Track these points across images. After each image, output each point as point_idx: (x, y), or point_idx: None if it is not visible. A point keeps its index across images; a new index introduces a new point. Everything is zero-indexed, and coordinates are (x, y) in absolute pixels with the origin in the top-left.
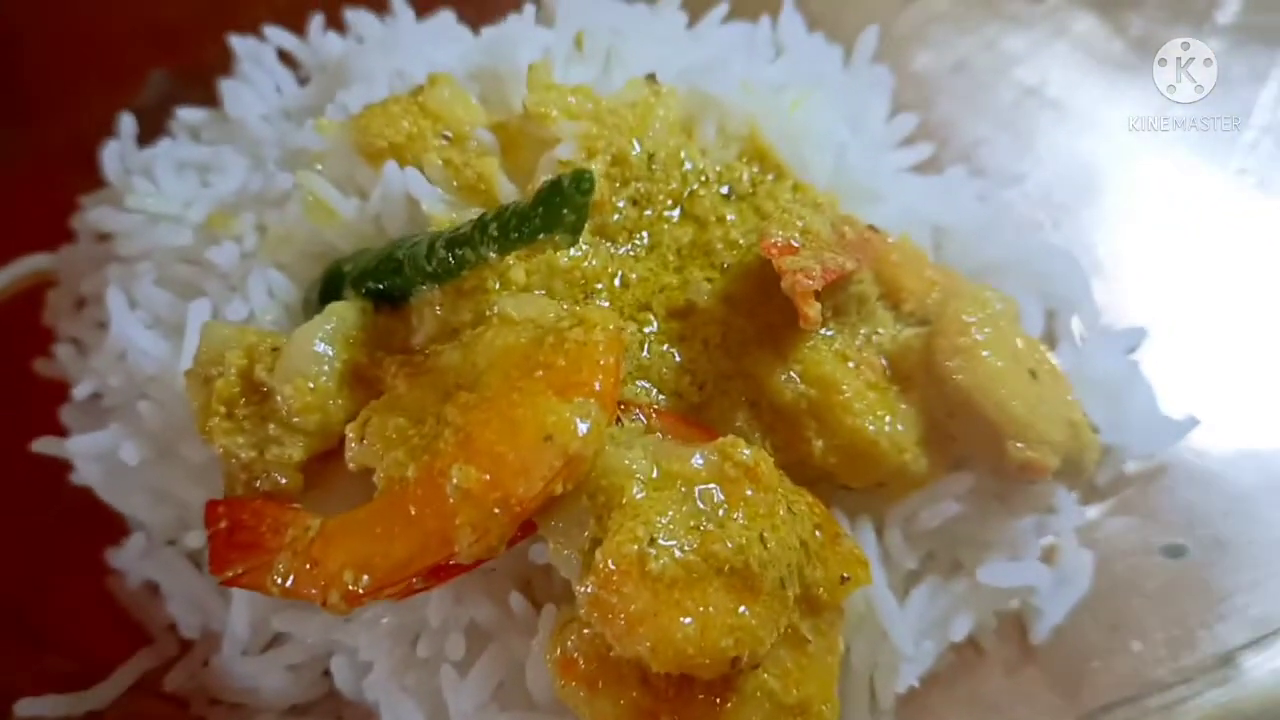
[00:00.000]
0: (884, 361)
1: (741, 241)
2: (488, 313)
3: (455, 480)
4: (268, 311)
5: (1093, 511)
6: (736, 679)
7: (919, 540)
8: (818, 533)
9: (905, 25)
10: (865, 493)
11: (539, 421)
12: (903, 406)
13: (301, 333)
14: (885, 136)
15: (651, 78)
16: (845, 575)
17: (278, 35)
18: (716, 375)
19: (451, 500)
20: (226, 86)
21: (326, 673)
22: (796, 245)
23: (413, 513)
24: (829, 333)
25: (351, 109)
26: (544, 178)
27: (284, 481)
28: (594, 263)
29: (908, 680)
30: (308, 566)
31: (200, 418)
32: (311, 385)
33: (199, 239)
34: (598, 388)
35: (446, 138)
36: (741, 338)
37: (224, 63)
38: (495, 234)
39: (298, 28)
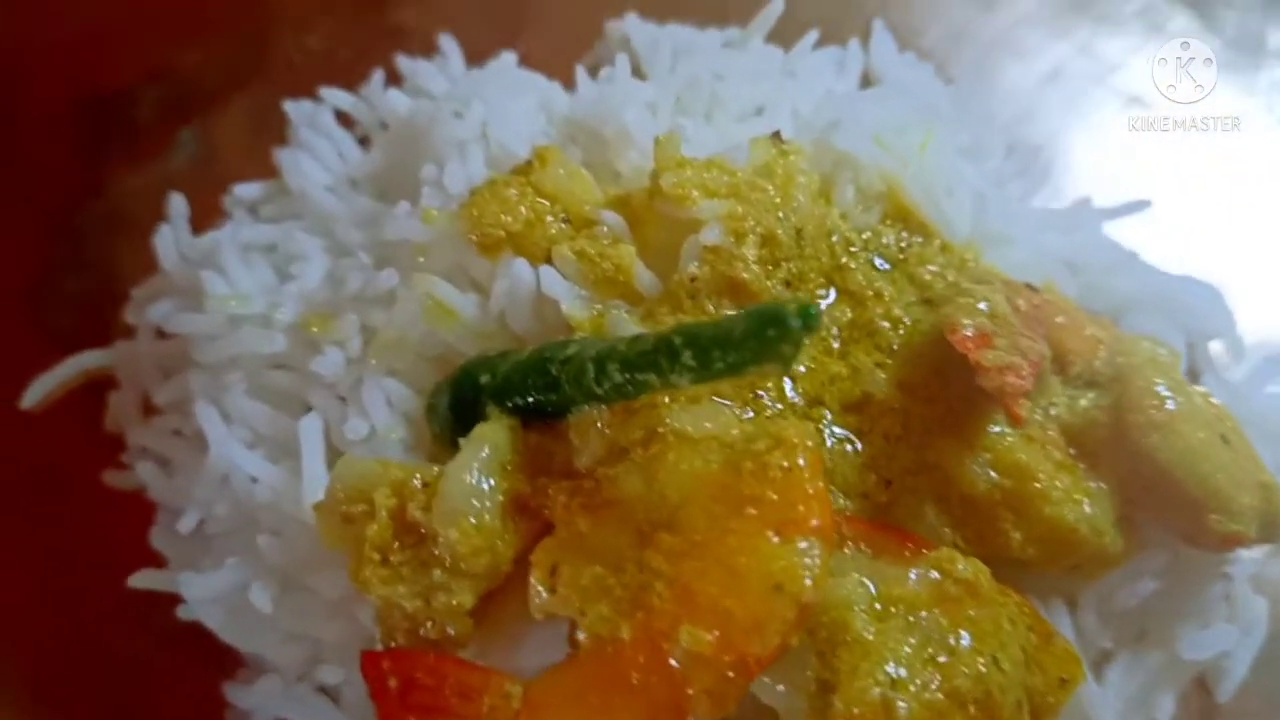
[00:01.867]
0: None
1: (905, 319)
2: (659, 429)
3: (684, 644)
4: (392, 429)
5: (1254, 552)
6: None
7: (1114, 619)
8: (1031, 635)
9: (990, 32)
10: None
11: (765, 570)
12: (1092, 485)
13: (456, 467)
14: (1005, 169)
15: (777, 136)
16: (1064, 678)
17: (334, 96)
18: (901, 471)
19: (679, 665)
20: (285, 156)
21: None
22: (989, 333)
23: (635, 680)
24: None
25: (451, 189)
26: (688, 268)
27: (453, 630)
28: None
29: None
30: None
31: (352, 566)
32: (474, 523)
33: (294, 344)
34: (815, 524)
35: (565, 221)
36: (923, 427)
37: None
38: (691, 362)
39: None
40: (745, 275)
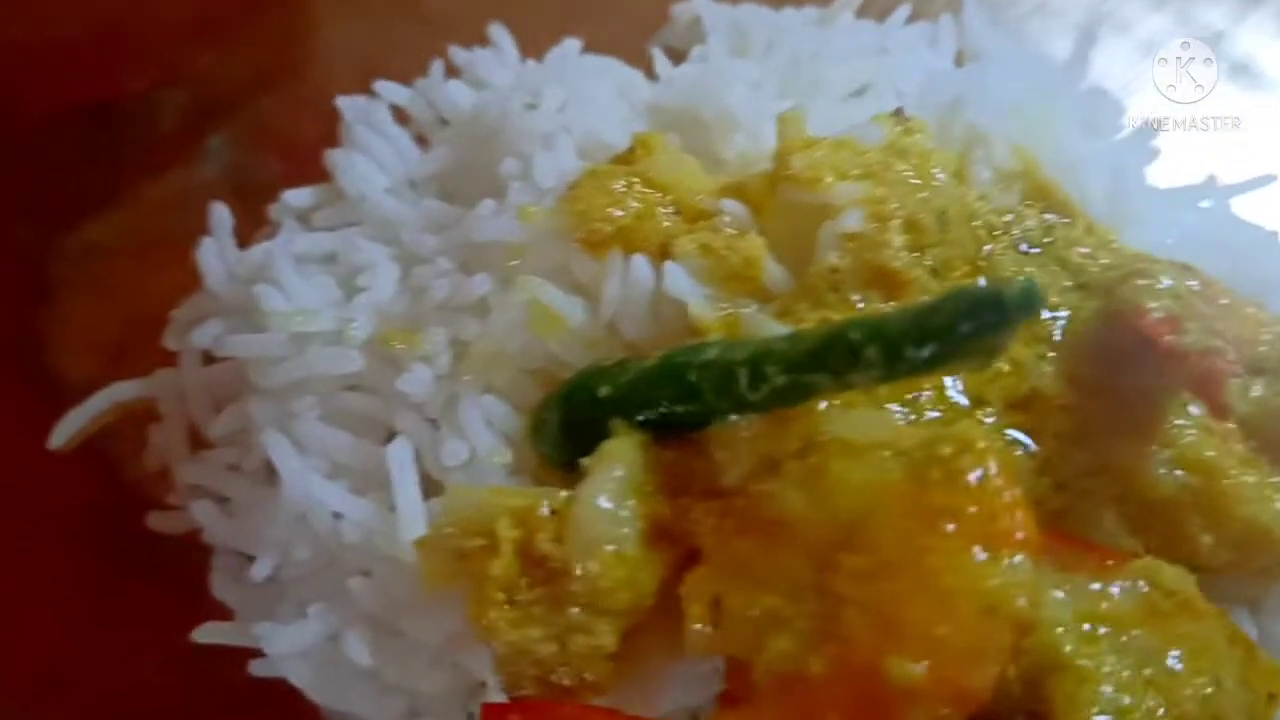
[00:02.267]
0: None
1: (1063, 307)
2: (818, 438)
3: (892, 677)
4: (495, 453)
5: None
6: None
7: None
8: (1236, 649)
9: (1083, 3)
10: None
11: (975, 590)
12: (1277, 479)
13: (589, 491)
14: (1125, 146)
15: (899, 112)
16: (1272, 693)
17: (390, 90)
18: (1075, 473)
19: (887, 702)
20: (338, 158)
21: None
22: (1178, 316)
23: (833, 718)
24: (1194, 409)
25: (541, 183)
26: (827, 257)
27: (590, 675)
28: None
29: None
30: None
31: (474, 609)
32: (615, 552)
33: (372, 363)
34: (1021, 536)
35: (676, 213)
36: (1096, 424)
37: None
38: (877, 359)
39: None
40: (895, 263)
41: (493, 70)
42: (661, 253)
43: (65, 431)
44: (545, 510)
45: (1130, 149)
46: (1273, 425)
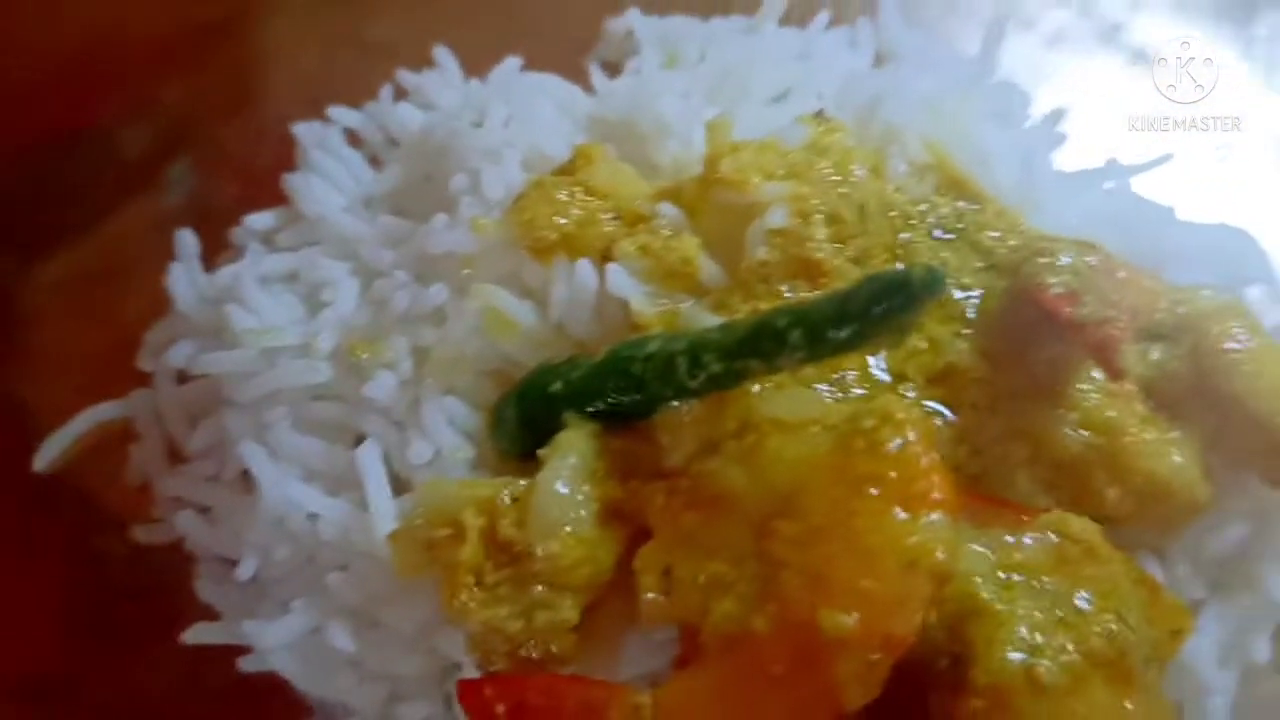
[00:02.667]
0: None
1: (975, 287)
2: (753, 419)
3: (825, 629)
4: (458, 449)
5: None
6: None
7: (1205, 567)
8: (1140, 590)
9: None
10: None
11: (898, 547)
12: (1174, 435)
13: (546, 478)
14: (1033, 135)
15: (820, 114)
16: (1174, 629)
17: (343, 115)
18: (991, 440)
19: (823, 654)
20: (296, 181)
21: None
22: (1077, 290)
23: (778, 673)
24: (1097, 374)
25: (490, 196)
26: (756, 252)
27: (556, 649)
28: None
29: (1220, 714)
30: None
31: (445, 594)
32: (573, 533)
33: (339, 372)
34: (938, 496)
35: (616, 219)
36: (1008, 393)
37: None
38: (801, 342)
39: None
40: (818, 255)
41: (439, 91)
42: (604, 256)
43: (48, 454)
44: (506, 499)
45: (1038, 136)
46: (1169, 386)
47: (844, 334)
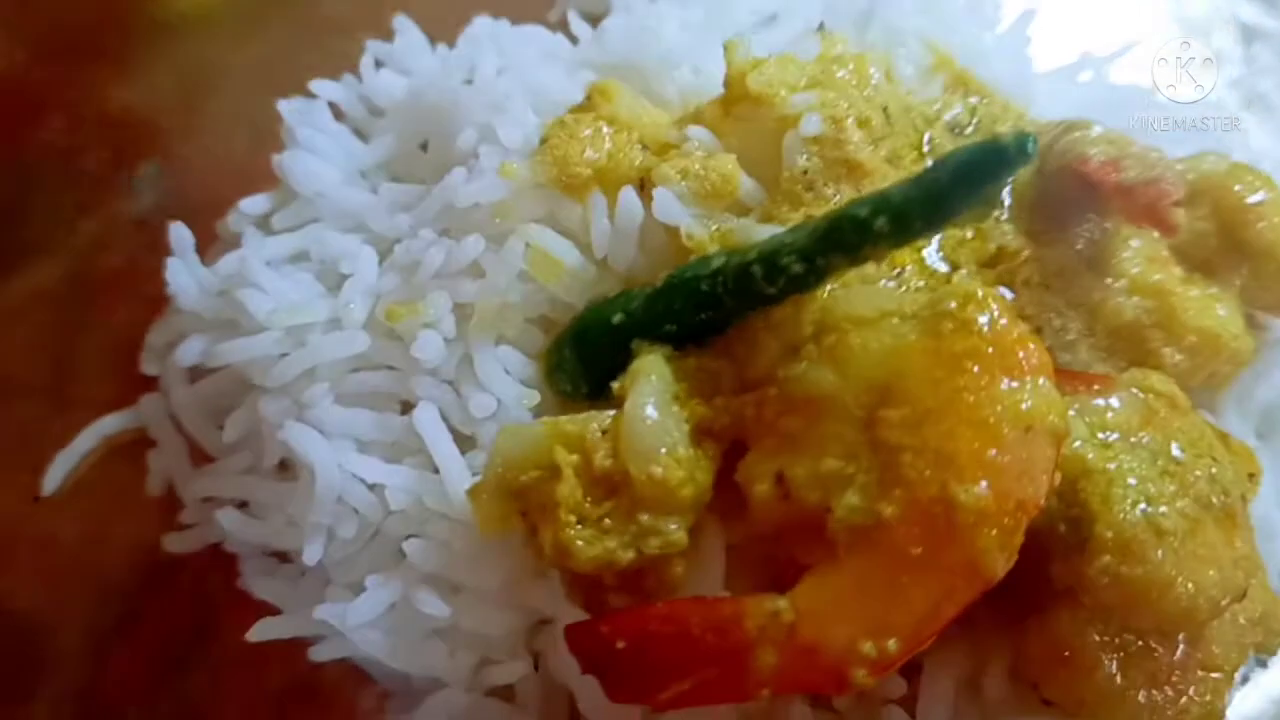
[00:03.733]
0: None
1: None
2: (830, 320)
3: (962, 502)
4: (523, 398)
5: None
6: None
7: (1255, 416)
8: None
9: None
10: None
11: (1013, 415)
12: (1213, 291)
13: (634, 404)
14: (1014, 35)
15: (823, 27)
16: (1251, 472)
17: (326, 88)
18: (1048, 314)
19: (962, 528)
20: (287, 161)
21: None
22: (1118, 157)
23: (918, 554)
24: (1135, 242)
25: (509, 144)
26: (796, 162)
27: (670, 575)
28: None
29: None
30: (802, 654)
31: (549, 536)
32: (670, 455)
33: (377, 340)
34: (1038, 361)
35: (644, 149)
36: (1057, 269)
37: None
38: (887, 229)
39: None
40: (859, 156)
41: (415, 57)
42: (640, 187)
43: (57, 475)
44: (597, 431)
45: (1015, 37)
46: (1199, 246)
47: (935, 213)
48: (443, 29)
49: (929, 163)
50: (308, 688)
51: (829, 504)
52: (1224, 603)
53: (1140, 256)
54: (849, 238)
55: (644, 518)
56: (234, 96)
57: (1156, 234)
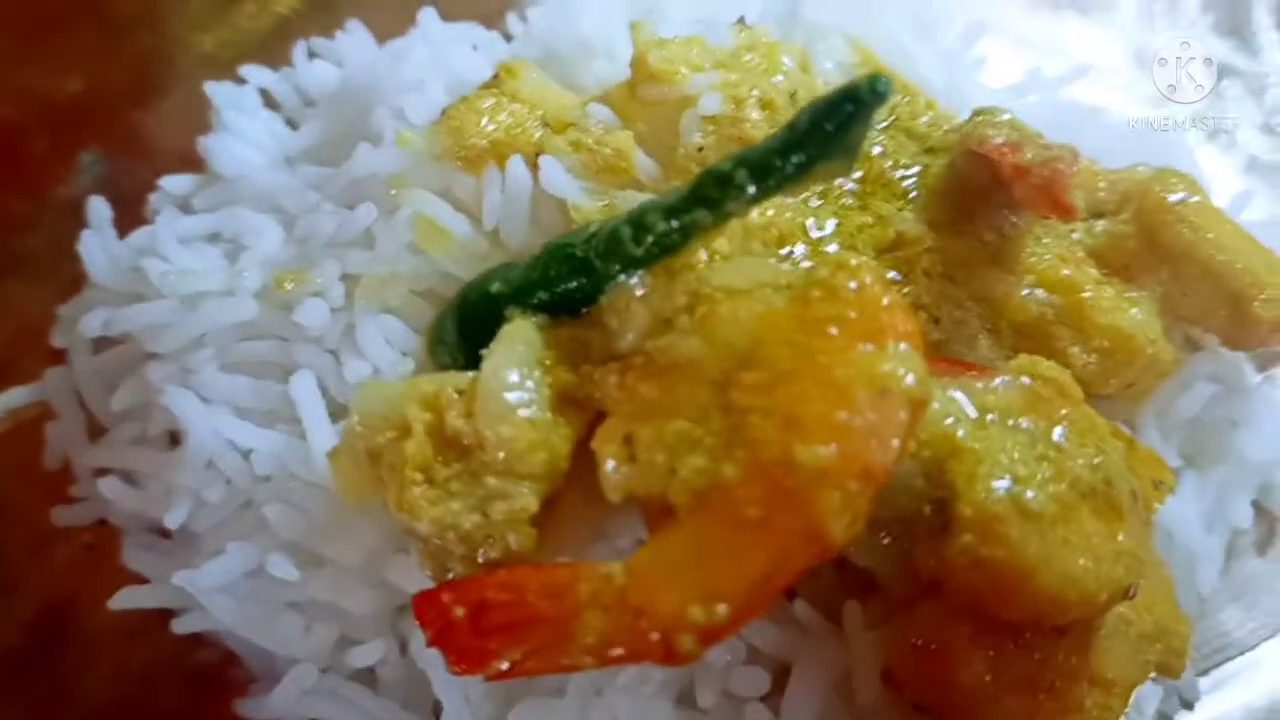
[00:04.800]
0: None
1: (912, 166)
2: (704, 291)
3: (803, 462)
4: (398, 365)
5: None
6: (1096, 619)
7: (1176, 432)
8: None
9: None
10: (1109, 398)
11: (868, 376)
12: (1131, 294)
13: (492, 364)
14: (959, 48)
15: (741, 21)
16: (1157, 480)
17: (256, 74)
18: (949, 306)
19: (802, 489)
20: (212, 143)
21: None
22: (1018, 142)
23: (755, 516)
24: (1048, 240)
25: (413, 120)
26: (691, 139)
27: (515, 543)
28: (788, 215)
29: (1210, 582)
30: (630, 619)
31: (394, 495)
32: (525, 416)
33: (266, 309)
34: (904, 328)
35: (546, 126)
36: (960, 261)
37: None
38: (748, 182)
39: None
40: (757, 134)
41: (354, 52)
42: (535, 162)
43: None
44: (452, 392)
45: (960, 50)
46: (1118, 251)
47: (792, 162)
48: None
49: None
50: (174, 666)
51: (672, 467)
52: (1101, 598)
53: (1051, 254)
54: (712, 192)
55: (491, 481)
56: (186, 92)
57: (1070, 231)
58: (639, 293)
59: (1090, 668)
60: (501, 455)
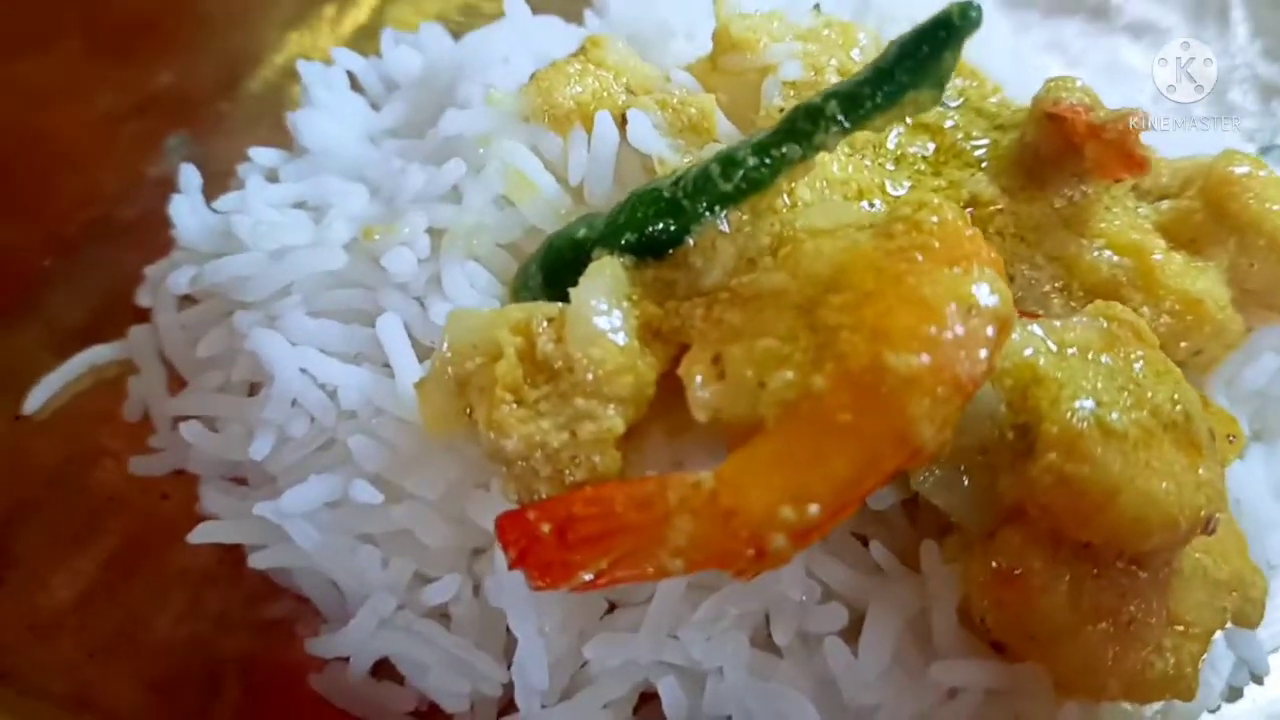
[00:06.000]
0: None
1: (982, 139)
2: (788, 233)
3: (894, 368)
4: (484, 308)
5: None
6: (1176, 559)
7: (1244, 401)
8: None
9: None
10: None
11: (955, 295)
12: (1198, 264)
13: (582, 293)
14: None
15: (817, 8)
16: (1230, 435)
17: (345, 56)
18: (1020, 264)
19: (892, 394)
20: (300, 118)
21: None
22: (1089, 105)
23: (845, 421)
24: (1116, 209)
25: (504, 87)
26: (772, 101)
27: (601, 464)
28: (866, 173)
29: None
30: (720, 521)
31: (484, 413)
32: (614, 341)
33: (354, 260)
34: (985, 255)
35: (630, 93)
36: (1033, 224)
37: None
38: (839, 112)
39: None
40: None
41: (437, 41)
42: (621, 122)
43: (39, 398)
44: (542, 319)
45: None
46: (1185, 224)
47: (883, 91)
48: None
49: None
50: (245, 611)
51: (762, 382)
52: (1181, 523)
53: (1122, 218)
54: (803, 125)
55: (580, 402)
56: (270, 88)
57: (1137, 207)
58: (724, 228)
59: (1169, 609)
60: (590, 377)
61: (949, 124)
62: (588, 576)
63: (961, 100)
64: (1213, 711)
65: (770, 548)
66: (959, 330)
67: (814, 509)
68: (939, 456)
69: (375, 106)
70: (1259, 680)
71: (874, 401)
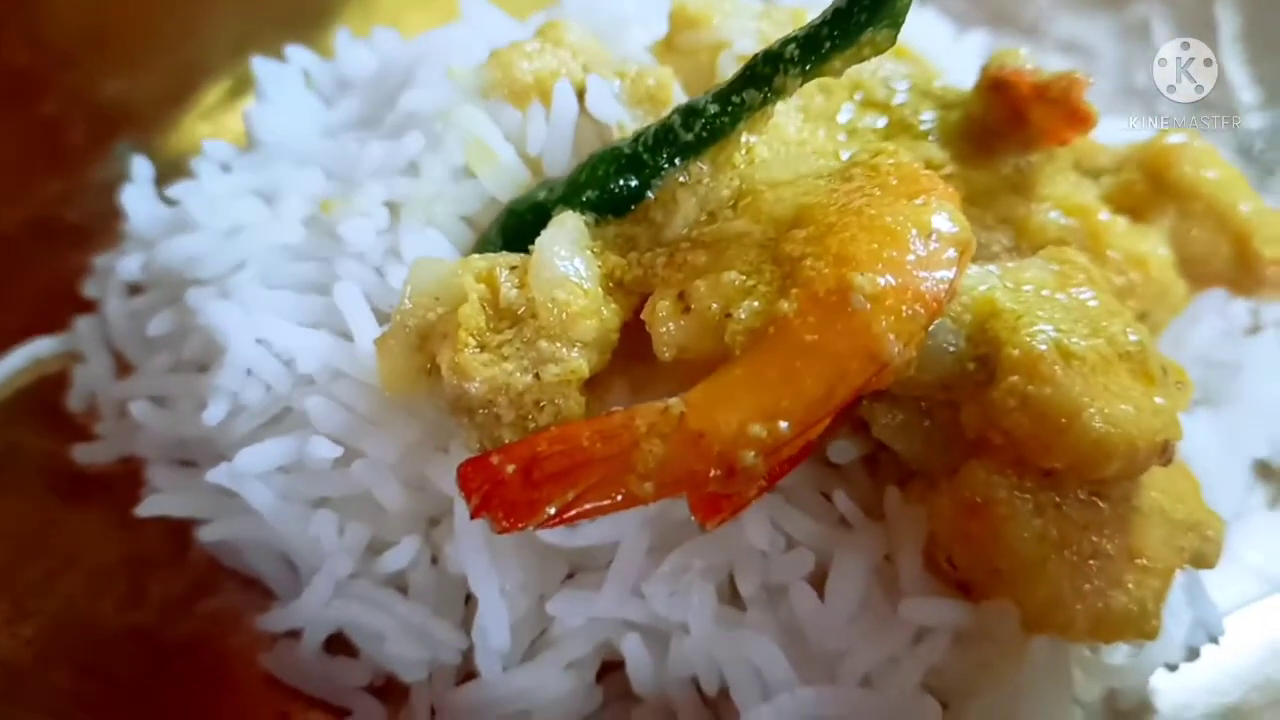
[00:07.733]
0: None
1: (930, 113)
2: (746, 186)
3: (859, 288)
4: None
5: None
6: (1135, 495)
7: (1190, 366)
8: None
9: None
10: None
11: (914, 221)
12: (1141, 229)
13: (546, 240)
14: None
15: None
16: (1179, 382)
17: (298, 54)
18: (973, 228)
19: (857, 309)
20: (254, 113)
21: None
22: (1037, 69)
23: (812, 340)
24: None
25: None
26: (728, 74)
27: (565, 407)
28: (820, 136)
29: (1234, 499)
30: (690, 442)
31: (446, 354)
32: (578, 284)
33: (311, 235)
34: (942, 190)
35: (587, 72)
36: (983, 189)
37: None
38: (796, 54)
39: None
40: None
41: (389, 45)
42: (580, 96)
43: None
44: (505, 268)
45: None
46: (1127, 194)
47: (841, 29)
48: None
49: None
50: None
51: (728, 313)
52: (1141, 446)
53: (1069, 183)
54: (762, 70)
55: (544, 345)
56: (217, 94)
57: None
58: (683, 179)
59: (1130, 544)
60: (554, 320)
61: (898, 100)
62: (552, 510)
63: (908, 84)
64: (1172, 669)
65: (740, 465)
66: (921, 252)
67: (784, 425)
68: (904, 373)
69: (328, 104)
70: (1214, 640)
71: (841, 319)
